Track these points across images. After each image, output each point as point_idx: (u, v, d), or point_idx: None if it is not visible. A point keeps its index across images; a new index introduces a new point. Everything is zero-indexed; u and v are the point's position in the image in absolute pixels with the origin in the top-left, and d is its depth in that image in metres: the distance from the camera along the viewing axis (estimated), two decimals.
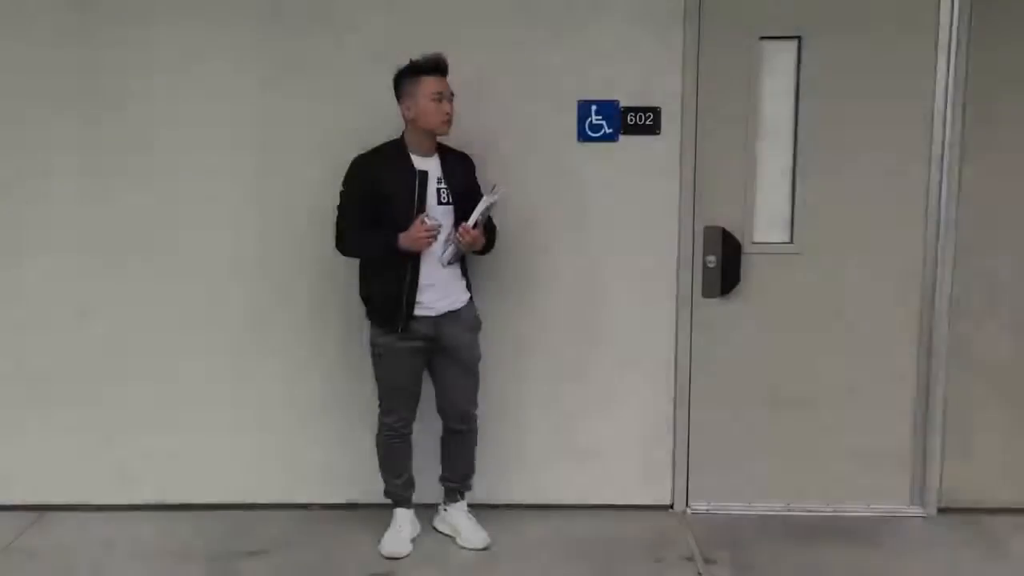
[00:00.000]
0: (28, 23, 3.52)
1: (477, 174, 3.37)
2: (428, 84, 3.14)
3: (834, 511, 3.71)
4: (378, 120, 3.55)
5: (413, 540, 3.46)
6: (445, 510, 3.54)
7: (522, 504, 3.75)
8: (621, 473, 3.75)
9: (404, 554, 3.38)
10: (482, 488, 3.71)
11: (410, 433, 3.40)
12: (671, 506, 3.77)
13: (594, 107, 3.54)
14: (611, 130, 3.55)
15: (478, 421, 3.47)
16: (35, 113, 3.57)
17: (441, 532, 3.54)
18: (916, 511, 3.72)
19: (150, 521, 3.68)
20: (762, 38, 3.52)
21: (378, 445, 3.42)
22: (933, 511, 3.71)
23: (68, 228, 3.64)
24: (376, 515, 3.57)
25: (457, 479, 3.50)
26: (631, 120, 3.54)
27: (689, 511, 3.75)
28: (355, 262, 3.39)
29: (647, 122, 3.54)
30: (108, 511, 3.76)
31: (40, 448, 3.76)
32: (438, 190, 3.22)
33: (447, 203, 3.23)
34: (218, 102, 3.57)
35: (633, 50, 3.52)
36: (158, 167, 3.60)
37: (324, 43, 3.54)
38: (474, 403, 3.42)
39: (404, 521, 3.46)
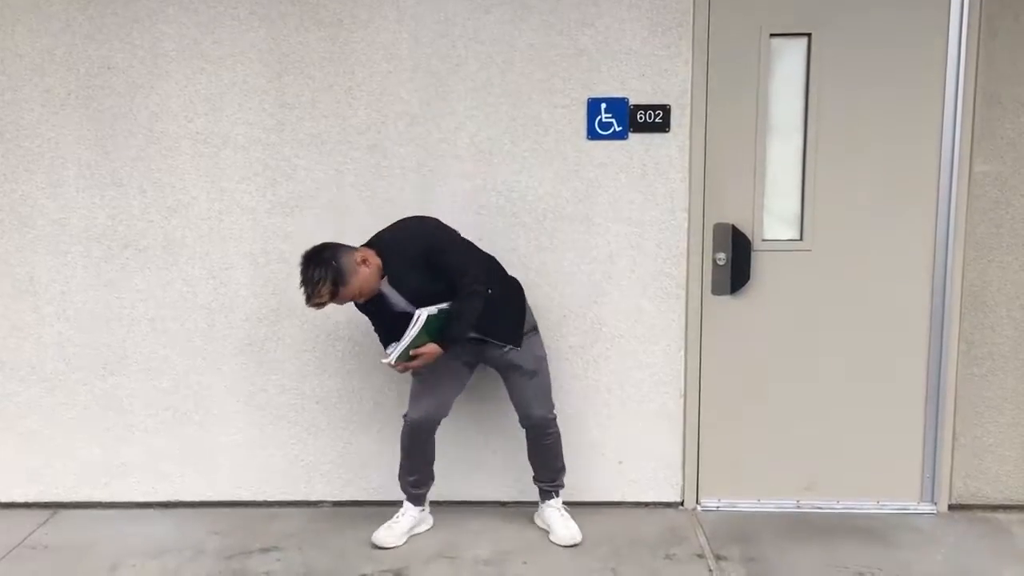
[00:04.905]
0: (38, 19, 3.54)
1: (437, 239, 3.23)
2: None
3: (844, 508, 3.72)
4: (387, 117, 3.57)
5: (412, 535, 3.49)
6: (540, 507, 3.55)
7: (532, 502, 3.75)
8: (631, 470, 3.76)
9: (390, 545, 3.42)
10: (492, 486, 3.73)
11: (425, 435, 3.39)
12: (681, 503, 3.77)
13: (604, 105, 3.54)
14: (620, 128, 3.55)
15: (555, 424, 3.42)
16: (44, 109, 3.59)
17: (539, 527, 3.57)
18: (927, 508, 3.72)
19: (163, 519, 3.71)
20: (772, 35, 3.52)
21: (400, 437, 3.45)
22: (944, 508, 3.71)
23: (77, 225, 3.65)
24: (387, 512, 3.58)
25: (543, 479, 3.50)
26: (640, 118, 3.54)
27: (699, 508, 3.76)
28: None
29: (656, 120, 3.54)
30: (121, 508, 3.79)
31: (54, 446, 3.79)
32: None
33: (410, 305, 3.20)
34: (227, 99, 3.58)
35: (643, 48, 3.52)
36: (167, 164, 3.62)
37: (332, 40, 3.54)
38: (540, 406, 3.36)
39: (404, 514, 3.50)
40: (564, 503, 3.55)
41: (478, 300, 3.17)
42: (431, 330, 3.15)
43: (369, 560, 3.34)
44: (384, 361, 3.18)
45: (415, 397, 3.38)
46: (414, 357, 3.16)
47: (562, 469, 3.51)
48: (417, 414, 3.36)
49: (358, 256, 3.10)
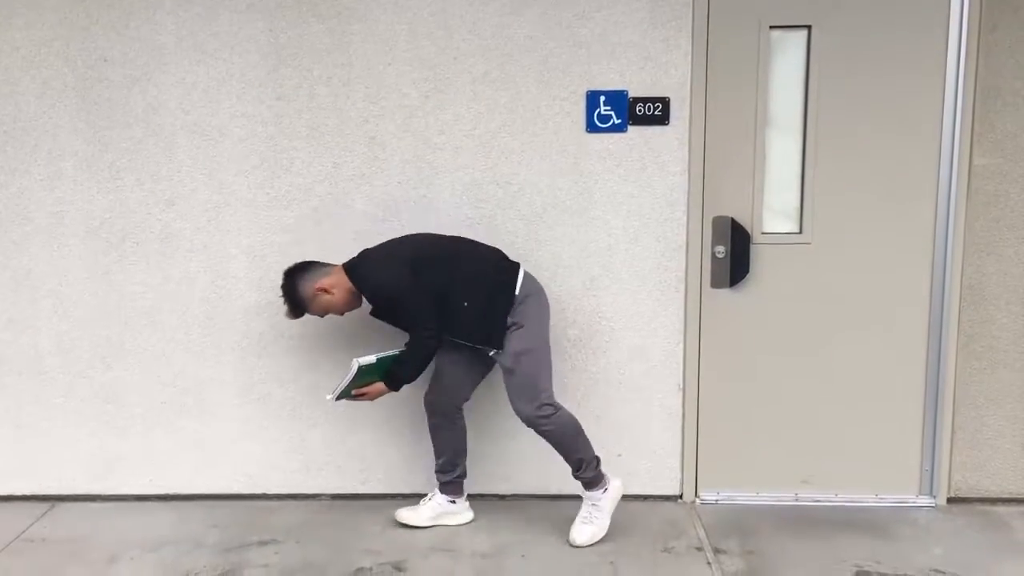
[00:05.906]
0: (34, 12, 3.52)
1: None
2: None
3: (843, 501, 3.72)
4: (385, 110, 3.56)
5: (441, 525, 3.50)
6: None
7: (530, 495, 3.76)
8: (630, 463, 3.75)
9: (409, 523, 3.49)
10: (489, 479, 3.73)
11: (445, 420, 3.45)
12: (680, 496, 3.77)
13: (603, 97, 3.53)
14: (620, 120, 3.54)
15: (549, 418, 3.30)
16: (41, 102, 3.58)
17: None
18: (925, 501, 3.72)
19: (161, 512, 3.70)
20: (772, 27, 3.51)
21: None
22: (943, 501, 3.71)
23: (74, 218, 3.65)
24: (385, 505, 3.59)
25: (571, 468, 3.39)
26: (640, 110, 3.53)
27: (698, 501, 3.76)
28: None
29: (656, 112, 3.53)
30: (119, 501, 3.79)
31: (52, 439, 3.78)
32: None
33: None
34: (224, 91, 3.57)
35: (642, 40, 3.51)
36: (165, 157, 3.61)
37: (330, 32, 3.53)
38: (523, 403, 3.26)
39: (430, 499, 3.54)
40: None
41: (425, 350, 3.24)
42: (380, 368, 3.25)
43: (367, 553, 3.34)
44: (328, 398, 3.33)
45: (432, 378, 3.45)
46: (359, 395, 3.30)
47: (581, 460, 3.35)
48: (431, 394, 3.45)
49: (318, 285, 3.24)
